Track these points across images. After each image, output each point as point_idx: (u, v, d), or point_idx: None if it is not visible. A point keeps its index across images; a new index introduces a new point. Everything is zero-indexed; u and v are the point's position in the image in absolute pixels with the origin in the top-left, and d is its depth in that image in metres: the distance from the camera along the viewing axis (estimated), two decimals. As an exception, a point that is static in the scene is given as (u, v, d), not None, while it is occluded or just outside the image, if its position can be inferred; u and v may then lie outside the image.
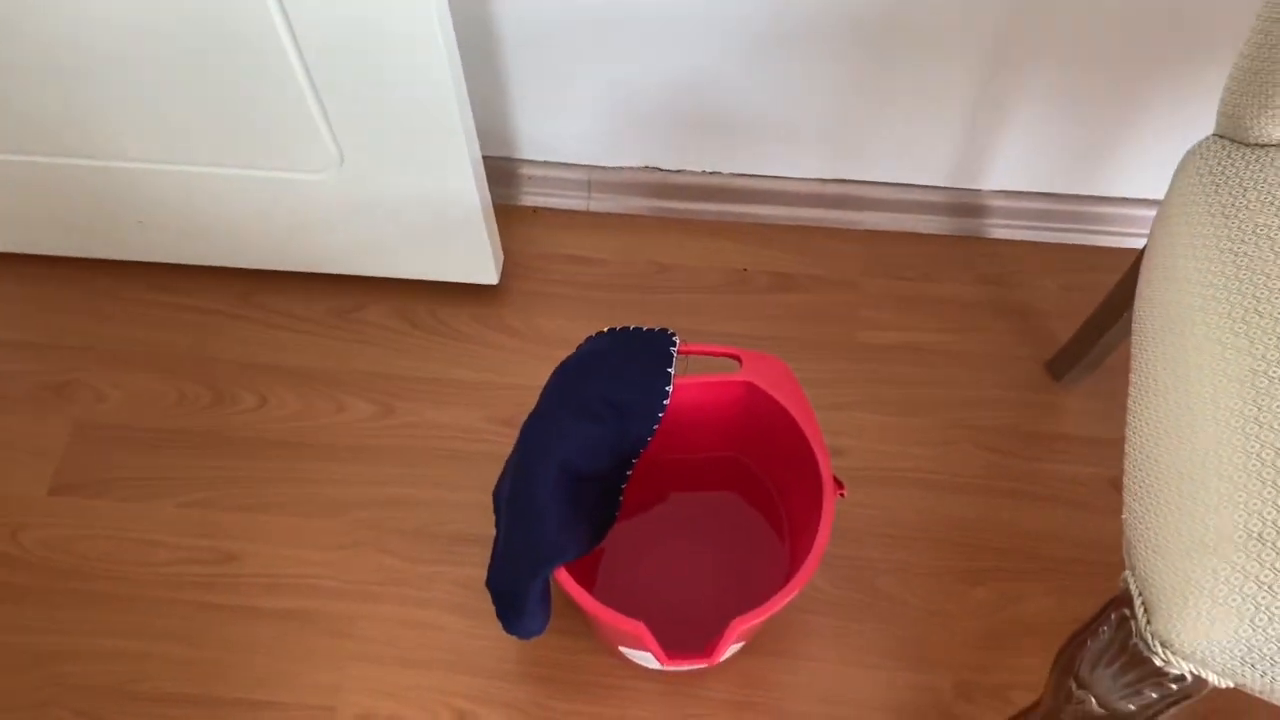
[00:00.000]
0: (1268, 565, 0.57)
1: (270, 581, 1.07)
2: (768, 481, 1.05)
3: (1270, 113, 0.72)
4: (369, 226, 1.15)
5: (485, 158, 1.28)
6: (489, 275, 1.22)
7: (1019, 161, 1.21)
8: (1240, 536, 0.59)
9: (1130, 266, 0.97)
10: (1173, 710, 0.67)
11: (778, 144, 1.23)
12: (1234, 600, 0.58)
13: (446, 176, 1.06)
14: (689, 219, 1.31)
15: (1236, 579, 0.58)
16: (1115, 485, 1.10)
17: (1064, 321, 1.20)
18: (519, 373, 1.19)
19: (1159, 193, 1.20)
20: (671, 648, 0.83)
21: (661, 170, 1.28)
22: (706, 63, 1.12)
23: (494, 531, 0.90)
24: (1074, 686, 0.71)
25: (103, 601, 1.07)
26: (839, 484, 0.87)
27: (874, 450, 1.13)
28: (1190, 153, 0.78)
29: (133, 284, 1.27)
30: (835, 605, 1.05)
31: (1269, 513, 0.58)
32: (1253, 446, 0.60)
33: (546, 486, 0.85)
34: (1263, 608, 0.57)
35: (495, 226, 1.20)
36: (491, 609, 1.02)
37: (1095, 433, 1.13)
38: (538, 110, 1.22)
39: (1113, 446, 1.12)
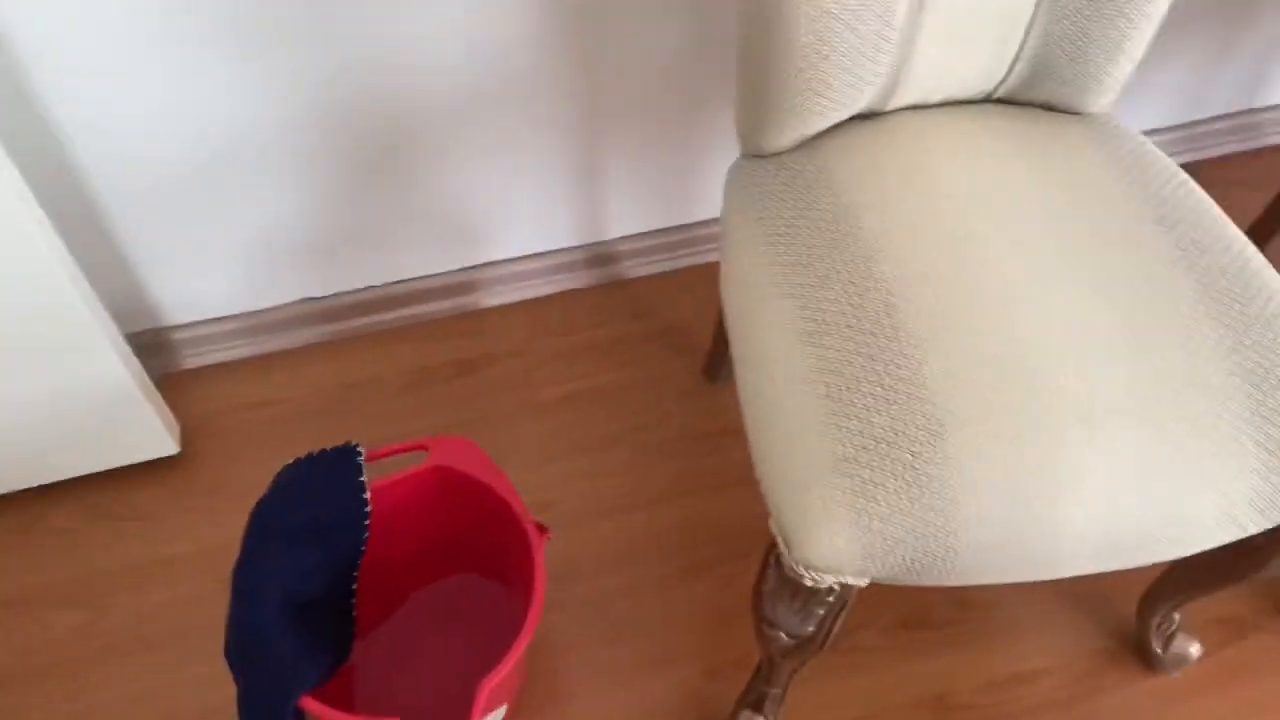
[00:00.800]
0: (856, 478, 0.72)
1: (14, 828, 1.01)
2: (493, 552, 1.12)
3: (767, 131, 0.89)
4: (26, 433, 1.12)
5: (133, 334, 1.28)
6: (168, 446, 1.21)
7: (629, 208, 1.37)
8: (831, 462, 0.73)
9: (731, 272, 1.13)
10: (841, 617, 0.81)
11: (420, 245, 1.32)
12: (841, 513, 0.72)
13: (86, 363, 1.06)
14: (359, 334, 1.37)
15: (838, 495, 0.72)
16: (786, 455, 1.26)
17: (707, 332, 1.37)
18: (229, 529, 1.19)
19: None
20: (438, 731, 0.88)
21: (316, 298, 1.34)
22: (312, 189, 1.19)
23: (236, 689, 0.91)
24: (767, 629, 0.83)
25: None
26: (543, 530, 0.96)
27: (578, 493, 1.24)
28: (729, 172, 0.95)
29: None
30: (583, 641, 1.13)
31: (845, 438, 0.73)
32: (820, 390, 0.75)
33: (269, 624, 0.87)
34: (862, 512, 0.71)
35: (158, 397, 1.20)
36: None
37: (758, 416, 1.30)
38: (170, 275, 1.23)
39: (775, 423, 1.29)
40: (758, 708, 1.01)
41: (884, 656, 1.12)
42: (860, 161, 0.88)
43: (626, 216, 1.38)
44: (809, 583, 0.74)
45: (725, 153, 1.31)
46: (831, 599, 0.77)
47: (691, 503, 1.23)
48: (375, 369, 1.34)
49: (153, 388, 1.18)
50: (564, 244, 1.39)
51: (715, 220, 1.41)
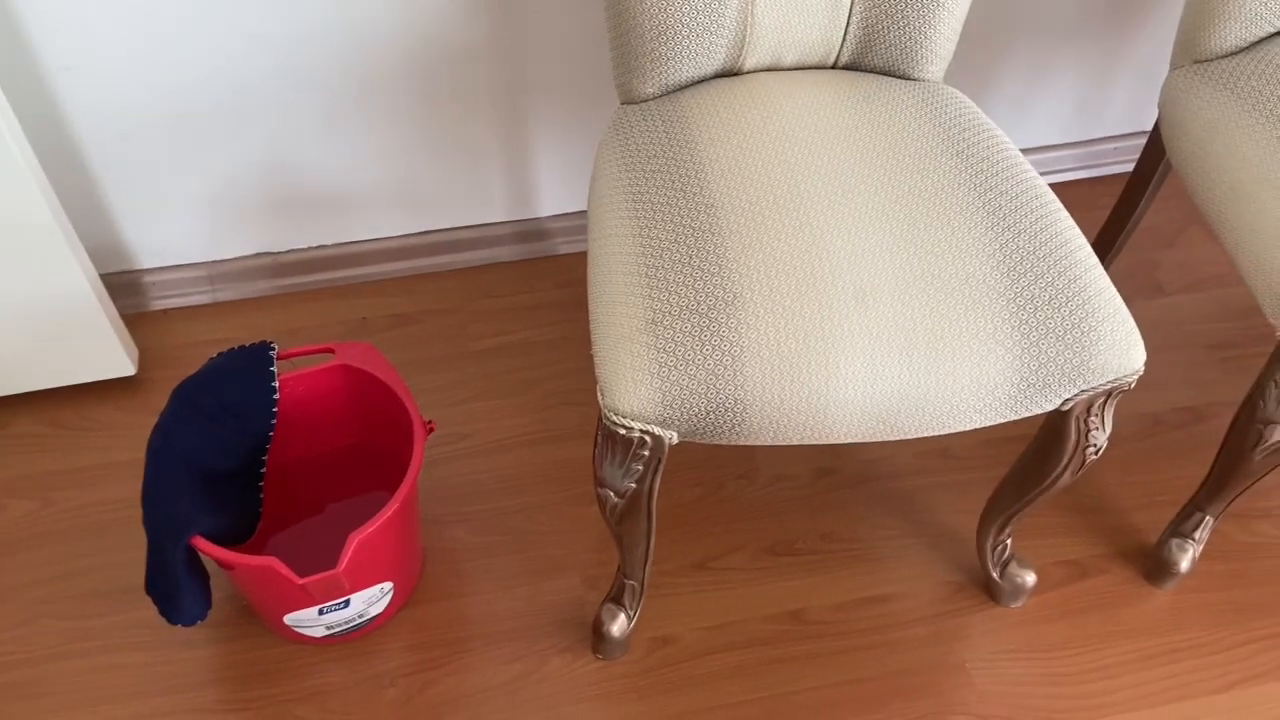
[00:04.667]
0: (660, 337, 0.84)
1: (-52, 674, 1.12)
2: (400, 465, 1.24)
3: (633, 78, 1.04)
4: (-3, 341, 1.27)
5: (107, 274, 1.44)
6: (125, 367, 1.35)
7: (558, 187, 1.52)
8: (641, 324, 0.85)
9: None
10: (657, 476, 0.92)
11: (367, 211, 1.47)
12: (645, 365, 0.84)
13: (55, 275, 1.21)
14: (308, 289, 1.51)
15: (644, 351, 0.84)
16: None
17: (623, 298, 1.50)
18: (172, 443, 1.33)
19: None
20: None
21: (272, 253, 1.49)
22: (281, 146, 1.35)
23: (149, 546, 1.03)
24: (599, 490, 0.94)
25: None
26: (428, 423, 1.09)
27: (493, 428, 1.36)
28: (612, 117, 1.09)
29: None
30: (478, 549, 1.24)
31: (655, 306, 0.86)
32: (640, 269, 0.88)
33: (174, 477, 1.00)
34: (663, 365, 0.84)
35: (120, 321, 1.34)
36: (167, 631, 1.14)
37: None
38: (144, 220, 1.39)
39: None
40: (618, 601, 1.12)
41: (748, 577, 1.22)
42: (711, 103, 1.02)
43: (559, 196, 1.53)
44: (622, 431, 0.86)
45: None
46: (646, 453, 0.89)
47: (589, 443, 1.34)
48: (318, 318, 1.48)
49: (115, 311, 1.33)
50: (501, 218, 1.54)
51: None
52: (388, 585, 1.10)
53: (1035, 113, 1.59)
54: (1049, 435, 0.97)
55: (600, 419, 0.89)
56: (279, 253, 1.49)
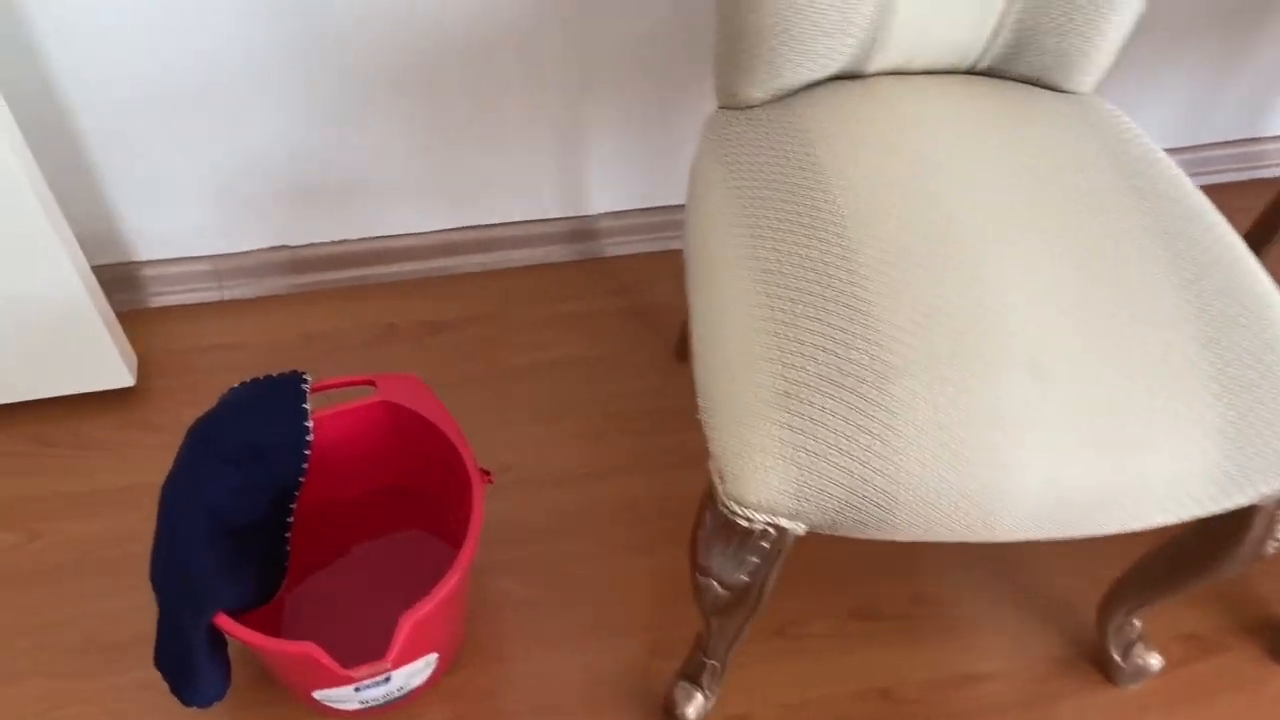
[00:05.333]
0: (797, 415, 0.69)
1: (-83, 743, 0.97)
2: (439, 505, 1.09)
3: (742, 81, 0.88)
4: (-24, 348, 1.10)
5: (102, 265, 1.27)
6: (123, 377, 1.19)
7: (615, 185, 1.35)
8: (772, 397, 0.70)
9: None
10: (775, 570, 0.78)
11: (398, 203, 1.30)
12: (778, 448, 0.69)
13: (41, 268, 1.04)
14: (329, 289, 1.35)
15: (776, 430, 0.69)
16: (752, 439, 1.23)
17: (684, 313, 1.35)
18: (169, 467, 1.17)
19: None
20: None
21: (290, 247, 1.32)
22: (302, 127, 1.18)
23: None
24: (700, 577, 0.80)
25: None
26: (486, 474, 0.93)
27: (538, 457, 1.21)
28: (704, 125, 0.93)
29: None
30: (527, 603, 1.10)
31: (789, 375, 0.71)
32: (769, 327, 0.73)
33: (194, 537, 0.84)
34: (800, 448, 0.69)
35: (117, 325, 1.18)
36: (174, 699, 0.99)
37: (726, 399, 1.27)
38: (144, 205, 1.22)
39: (743, 407, 1.26)
40: (695, 680, 0.98)
41: (832, 644, 1.08)
42: (834, 116, 0.86)
43: (612, 193, 1.37)
44: (742, 522, 0.72)
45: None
46: (766, 545, 0.74)
47: (652, 478, 1.20)
48: (340, 322, 1.32)
49: (111, 314, 1.16)
50: (547, 214, 1.37)
51: (699, 200, 1.39)
52: (433, 657, 0.96)
53: (1140, 115, 1.44)
54: (1226, 527, 0.83)
55: (710, 500, 0.75)
56: (297, 246, 1.32)
